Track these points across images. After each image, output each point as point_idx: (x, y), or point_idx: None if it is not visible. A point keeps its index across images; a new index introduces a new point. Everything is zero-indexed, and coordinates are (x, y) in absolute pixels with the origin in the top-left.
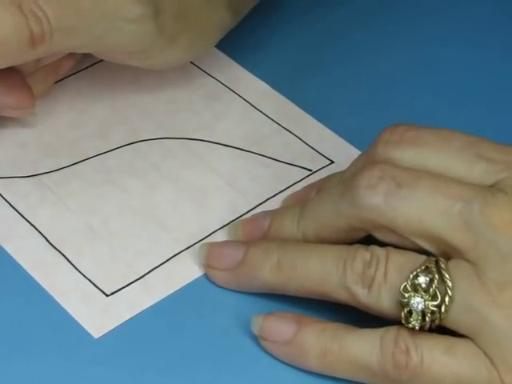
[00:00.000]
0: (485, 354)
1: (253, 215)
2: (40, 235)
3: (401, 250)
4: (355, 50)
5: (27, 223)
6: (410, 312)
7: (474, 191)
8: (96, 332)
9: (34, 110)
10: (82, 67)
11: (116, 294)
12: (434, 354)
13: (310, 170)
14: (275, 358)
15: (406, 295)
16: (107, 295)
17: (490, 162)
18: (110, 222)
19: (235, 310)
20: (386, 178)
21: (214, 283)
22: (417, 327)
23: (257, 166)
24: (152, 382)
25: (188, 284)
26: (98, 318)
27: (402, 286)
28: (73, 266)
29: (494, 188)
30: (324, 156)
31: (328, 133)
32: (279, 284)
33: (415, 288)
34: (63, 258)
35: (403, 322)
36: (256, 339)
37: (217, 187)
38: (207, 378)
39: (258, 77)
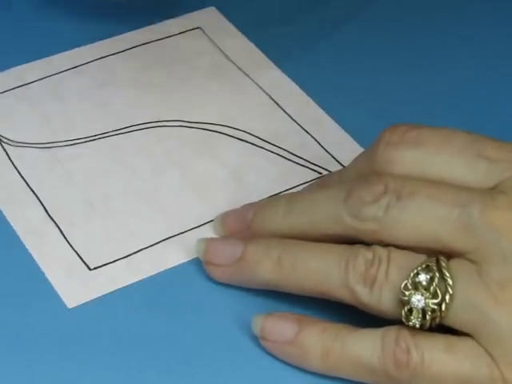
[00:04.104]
0: (486, 351)
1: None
2: (40, 205)
3: (402, 250)
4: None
5: (31, 192)
6: (410, 310)
7: (473, 196)
8: (70, 302)
9: None
10: (123, 48)
11: (99, 268)
12: (434, 352)
13: (320, 174)
14: (275, 358)
15: (407, 293)
16: (90, 269)
17: (491, 162)
18: (110, 199)
19: (229, 304)
20: (388, 192)
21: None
22: (417, 325)
23: (267, 164)
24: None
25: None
26: (75, 288)
27: (403, 284)
28: (64, 236)
29: (494, 190)
30: (337, 161)
31: (347, 138)
32: (279, 282)
33: (416, 286)
34: (57, 228)
35: (404, 320)
36: (256, 338)
37: (222, 179)
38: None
39: (289, 76)
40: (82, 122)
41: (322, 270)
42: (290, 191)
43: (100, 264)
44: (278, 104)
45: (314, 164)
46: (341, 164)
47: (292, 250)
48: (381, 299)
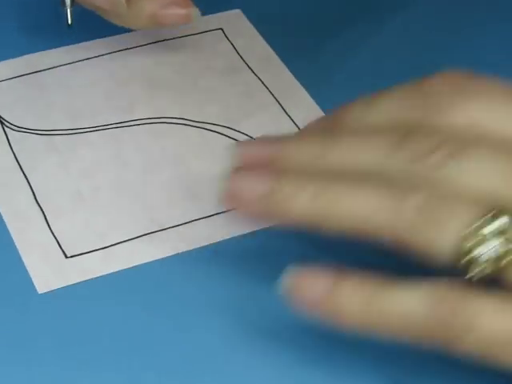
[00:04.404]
0: None
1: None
2: (30, 190)
3: (467, 195)
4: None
5: (23, 177)
6: (470, 259)
7: None
8: (41, 287)
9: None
10: (140, 44)
11: (75, 257)
12: (486, 309)
13: None
14: (276, 356)
15: (471, 241)
16: (67, 257)
17: None
18: (100, 191)
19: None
20: (446, 144)
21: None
22: (476, 276)
23: None
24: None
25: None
26: (48, 274)
27: (468, 231)
28: (47, 223)
29: None
30: None
31: None
32: (316, 217)
33: (481, 233)
34: (42, 214)
35: (462, 269)
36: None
37: (215, 180)
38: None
39: (303, 84)
40: (85, 112)
41: (370, 204)
42: None
43: (77, 253)
44: (284, 110)
45: None
46: None
47: (333, 180)
48: (438, 242)
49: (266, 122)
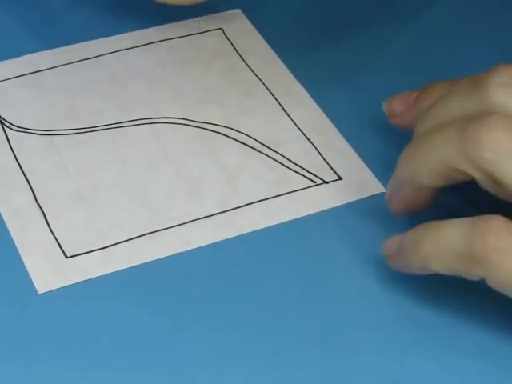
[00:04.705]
0: None
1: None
2: (30, 190)
3: None
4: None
5: (23, 177)
6: None
7: None
8: (41, 287)
9: None
10: (140, 44)
11: (75, 257)
12: None
13: (314, 182)
14: (277, 359)
15: None
16: (67, 257)
17: None
18: (99, 191)
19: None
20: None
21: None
22: None
23: (263, 168)
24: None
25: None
26: (48, 274)
27: None
28: (47, 223)
29: None
30: (334, 171)
31: (348, 150)
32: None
33: None
34: (42, 214)
35: None
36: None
37: (215, 180)
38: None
39: (303, 84)
40: (86, 112)
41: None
42: (282, 197)
43: (76, 253)
44: (285, 110)
45: (310, 173)
46: (337, 174)
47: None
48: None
49: (266, 122)
